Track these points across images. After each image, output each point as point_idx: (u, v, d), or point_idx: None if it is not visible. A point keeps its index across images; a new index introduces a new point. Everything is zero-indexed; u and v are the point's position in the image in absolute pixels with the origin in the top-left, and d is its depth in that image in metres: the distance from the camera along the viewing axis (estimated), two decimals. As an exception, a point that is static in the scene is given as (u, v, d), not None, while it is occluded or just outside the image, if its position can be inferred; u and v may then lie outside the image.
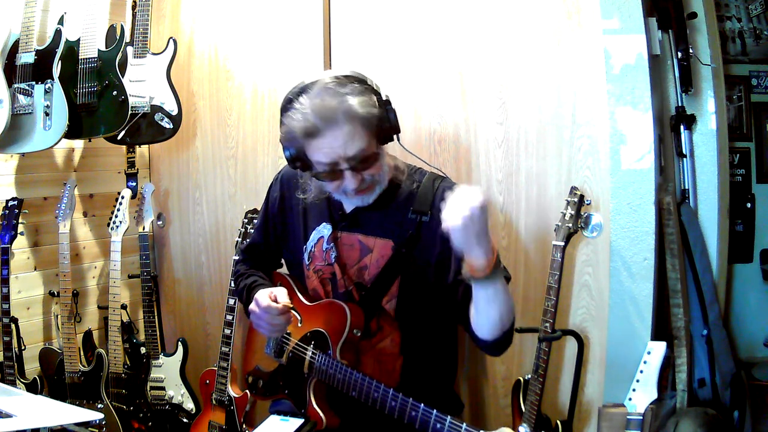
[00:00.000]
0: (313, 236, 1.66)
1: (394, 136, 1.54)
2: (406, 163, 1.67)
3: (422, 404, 1.33)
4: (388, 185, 1.61)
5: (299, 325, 1.62)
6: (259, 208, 1.86)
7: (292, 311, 1.61)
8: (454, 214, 1.27)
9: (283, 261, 1.86)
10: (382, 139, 1.52)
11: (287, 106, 1.49)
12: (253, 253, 1.84)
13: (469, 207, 1.25)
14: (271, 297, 1.54)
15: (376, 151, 1.49)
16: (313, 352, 1.56)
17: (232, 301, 2.39)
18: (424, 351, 1.60)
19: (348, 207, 1.64)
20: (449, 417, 1.28)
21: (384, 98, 1.52)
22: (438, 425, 1.30)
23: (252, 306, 1.57)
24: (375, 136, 1.48)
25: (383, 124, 1.49)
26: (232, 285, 2.12)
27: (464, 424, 1.26)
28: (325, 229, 1.64)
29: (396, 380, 1.60)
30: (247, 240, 1.93)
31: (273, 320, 1.53)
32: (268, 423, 1.58)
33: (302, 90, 1.46)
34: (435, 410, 1.31)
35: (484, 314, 1.42)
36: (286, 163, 1.59)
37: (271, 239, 1.79)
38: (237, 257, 1.89)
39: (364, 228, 1.61)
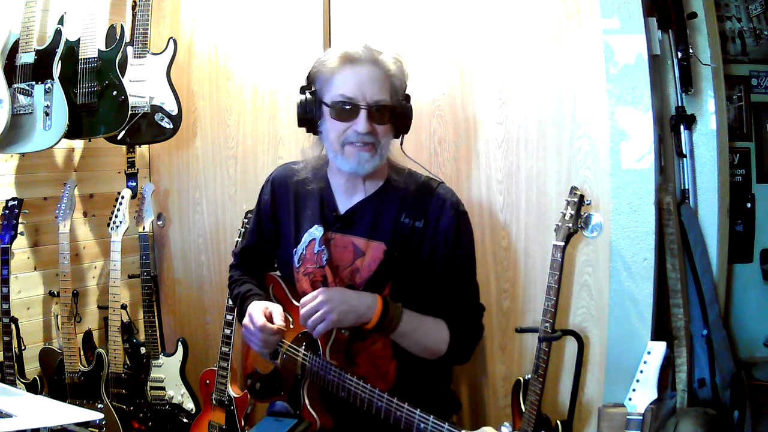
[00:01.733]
0: (305, 238, 1.65)
1: (401, 136, 1.60)
2: (404, 166, 1.67)
3: (406, 404, 1.33)
4: (383, 184, 1.60)
5: (291, 326, 1.62)
6: (258, 208, 1.86)
7: (285, 314, 1.63)
8: (311, 324, 1.47)
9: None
10: (395, 126, 1.57)
11: (332, 48, 1.58)
12: (247, 256, 1.84)
13: (314, 315, 1.44)
14: (266, 314, 1.55)
15: (393, 108, 1.53)
16: (305, 354, 1.56)
17: (231, 301, 2.39)
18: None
19: (342, 208, 1.63)
20: (432, 417, 1.28)
21: (407, 94, 1.60)
22: (422, 425, 1.30)
23: (246, 321, 1.58)
24: (394, 107, 1.54)
25: (397, 114, 1.56)
26: None
27: (446, 423, 1.26)
28: (317, 231, 1.63)
29: (391, 382, 1.60)
30: (241, 244, 1.93)
31: (267, 339, 1.56)
32: (263, 424, 1.58)
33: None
34: (418, 410, 1.31)
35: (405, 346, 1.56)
36: (285, 162, 1.59)
37: (265, 241, 1.78)
38: (232, 263, 1.88)
39: (357, 230, 1.60)
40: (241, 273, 1.82)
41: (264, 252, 1.81)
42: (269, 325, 1.53)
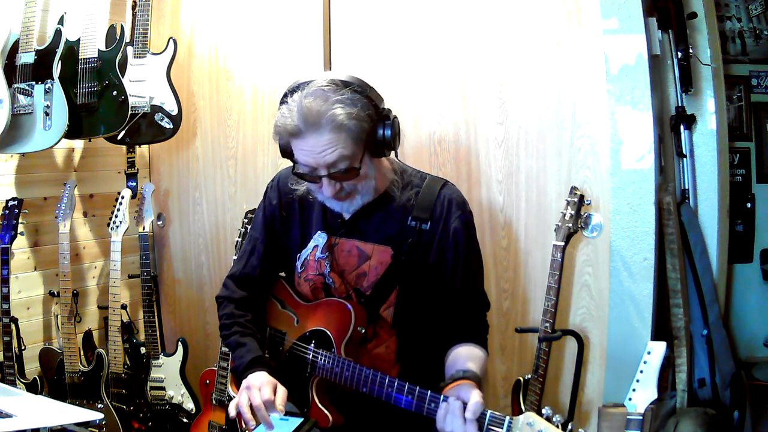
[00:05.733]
0: (310, 244, 1.64)
1: (391, 152, 1.51)
2: (407, 166, 1.65)
3: (442, 395, 1.32)
4: (385, 190, 1.59)
5: (296, 324, 1.62)
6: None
7: (288, 312, 1.63)
8: None
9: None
10: (374, 153, 1.48)
11: (282, 99, 1.48)
12: (248, 284, 1.69)
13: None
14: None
15: (357, 166, 1.44)
16: (315, 351, 1.56)
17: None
18: (421, 358, 1.60)
19: (346, 214, 1.63)
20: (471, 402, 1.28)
21: (383, 111, 1.47)
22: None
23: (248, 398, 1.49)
24: (362, 148, 1.44)
25: (375, 139, 1.45)
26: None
27: (489, 411, 1.25)
28: (320, 238, 1.62)
29: None
30: (241, 264, 1.71)
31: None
32: (268, 423, 1.58)
33: (297, 87, 1.45)
34: (450, 398, 1.29)
35: None
36: (285, 163, 1.58)
37: (275, 248, 1.71)
38: (228, 295, 1.69)
39: (362, 234, 1.59)
40: (246, 316, 1.65)
41: (275, 264, 1.72)
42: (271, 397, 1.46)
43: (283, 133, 1.44)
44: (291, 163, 1.62)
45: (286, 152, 1.51)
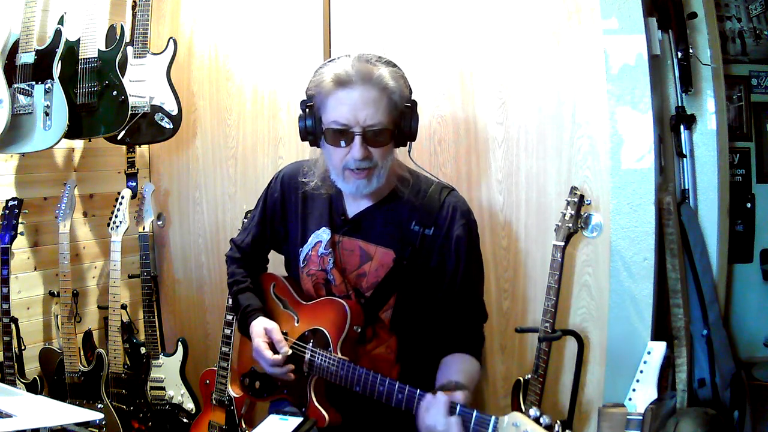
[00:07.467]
0: (312, 239, 1.65)
1: (408, 143, 1.55)
2: (413, 172, 1.66)
3: (429, 393, 1.33)
4: (392, 191, 1.60)
5: (296, 324, 1.62)
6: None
7: (289, 312, 1.64)
8: None
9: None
10: (397, 138, 1.52)
11: (327, 62, 1.53)
12: (252, 248, 1.80)
13: None
14: (268, 343, 1.58)
15: (391, 129, 1.48)
16: (312, 350, 1.56)
17: (231, 301, 2.39)
18: (421, 359, 1.60)
19: (351, 212, 1.63)
20: (459, 404, 1.28)
21: (413, 99, 1.55)
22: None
23: (255, 354, 1.61)
24: (394, 122, 1.49)
25: (404, 120, 1.51)
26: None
27: (475, 411, 1.26)
28: (324, 234, 1.63)
29: None
30: (244, 236, 1.84)
31: (276, 371, 1.57)
32: (268, 422, 1.58)
33: (346, 55, 1.52)
34: (445, 398, 1.30)
35: None
36: (285, 163, 1.59)
37: (268, 236, 1.78)
38: (231, 254, 1.83)
39: (365, 234, 1.60)
40: (244, 273, 1.79)
41: (266, 246, 1.80)
42: (275, 357, 1.56)
43: (329, 83, 1.47)
44: (289, 163, 1.62)
45: (310, 132, 1.53)
